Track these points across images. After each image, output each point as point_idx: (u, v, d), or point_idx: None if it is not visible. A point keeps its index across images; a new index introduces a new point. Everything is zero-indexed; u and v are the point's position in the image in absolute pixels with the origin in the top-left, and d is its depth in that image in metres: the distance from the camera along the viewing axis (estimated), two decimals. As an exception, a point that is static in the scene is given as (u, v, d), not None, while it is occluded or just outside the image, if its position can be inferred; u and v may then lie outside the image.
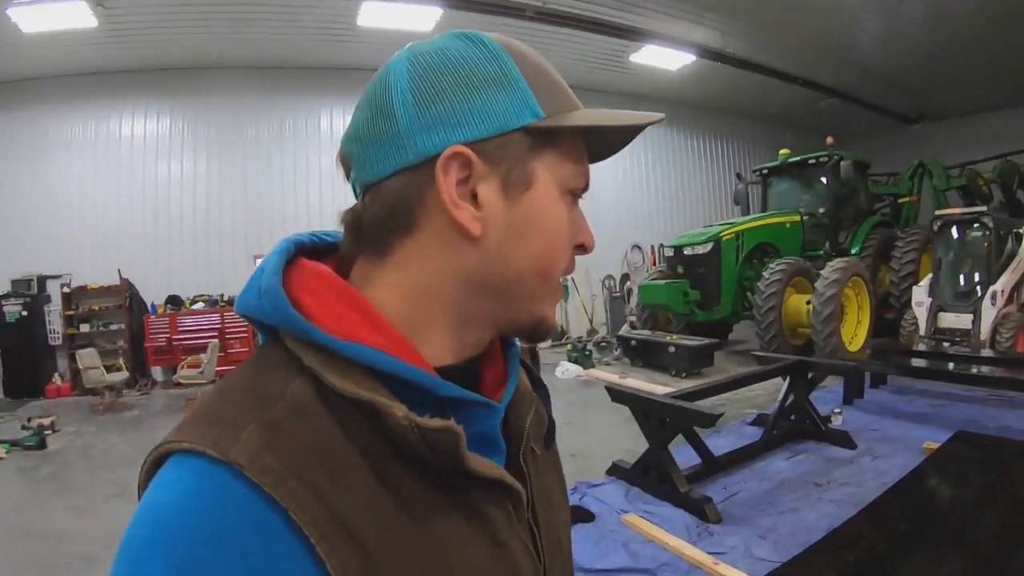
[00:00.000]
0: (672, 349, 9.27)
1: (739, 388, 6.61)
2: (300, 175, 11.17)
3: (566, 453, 6.39)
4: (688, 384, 7.55)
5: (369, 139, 0.63)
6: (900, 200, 11.88)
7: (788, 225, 10.65)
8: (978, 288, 8.52)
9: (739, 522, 4.81)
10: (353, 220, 0.67)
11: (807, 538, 4.08)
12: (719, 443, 6.36)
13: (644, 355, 9.97)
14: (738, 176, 11.88)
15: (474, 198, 0.62)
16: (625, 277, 12.87)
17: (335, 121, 11.57)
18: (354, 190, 0.68)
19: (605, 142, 0.72)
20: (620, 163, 13.54)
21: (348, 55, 10.75)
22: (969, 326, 8.26)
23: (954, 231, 8.98)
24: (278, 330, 0.60)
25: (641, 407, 5.39)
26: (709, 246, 9.82)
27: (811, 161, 10.75)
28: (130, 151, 10.41)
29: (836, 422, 6.68)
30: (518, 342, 0.76)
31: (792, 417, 6.38)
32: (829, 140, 10.66)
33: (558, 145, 0.65)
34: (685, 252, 10.13)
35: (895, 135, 15.28)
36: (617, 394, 5.60)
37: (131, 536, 0.51)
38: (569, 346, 10.53)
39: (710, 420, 4.80)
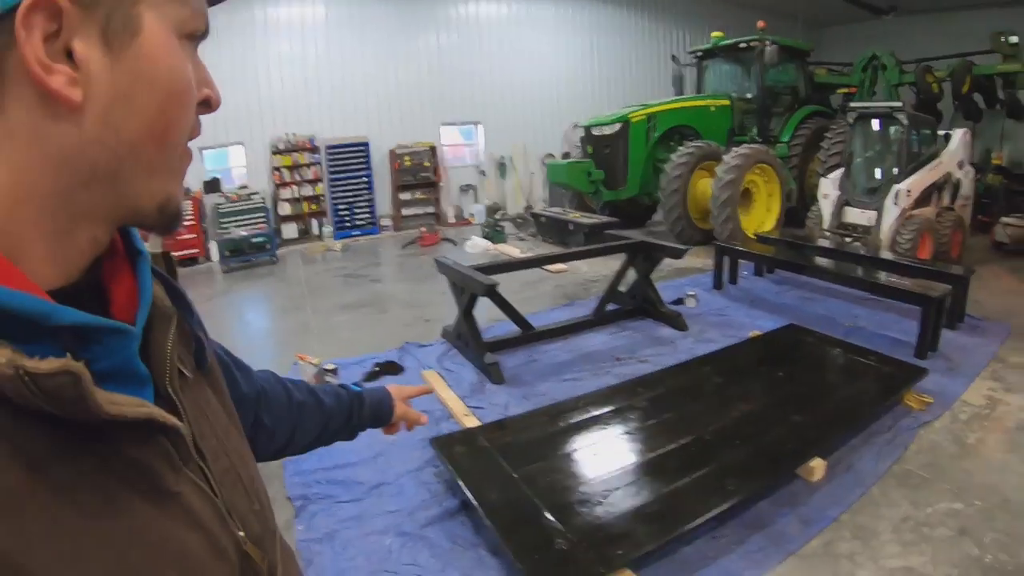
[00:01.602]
0: (571, 227, 9.22)
1: (571, 260, 6.95)
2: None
3: (421, 319, 6.60)
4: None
5: None
6: (839, 91, 11.30)
7: (713, 109, 10.25)
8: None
9: (519, 385, 4.99)
10: None
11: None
12: (561, 315, 6.46)
13: (550, 232, 9.93)
14: (673, 58, 11.26)
15: (69, 56, 0.47)
16: (565, 155, 12.57)
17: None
18: None
19: None
20: (561, 39, 12.95)
21: None
22: (872, 223, 8.01)
23: (869, 125, 8.52)
24: None
25: (450, 276, 5.44)
26: (617, 127, 9.57)
27: (741, 45, 10.16)
28: None
29: (690, 305, 6.67)
30: (146, 250, 0.62)
31: (635, 296, 6.36)
32: (760, 24, 10.04)
33: None
34: (594, 132, 9.91)
35: (864, 26, 14.27)
36: (440, 266, 5.63)
37: None
38: (487, 221, 10.51)
39: (483, 288, 4.88)
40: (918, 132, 8.24)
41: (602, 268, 7.96)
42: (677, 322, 6.04)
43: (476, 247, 9.56)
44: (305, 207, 11.02)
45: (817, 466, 3.51)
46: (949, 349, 5.37)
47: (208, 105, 0.59)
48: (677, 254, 5.99)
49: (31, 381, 0.42)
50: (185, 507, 0.55)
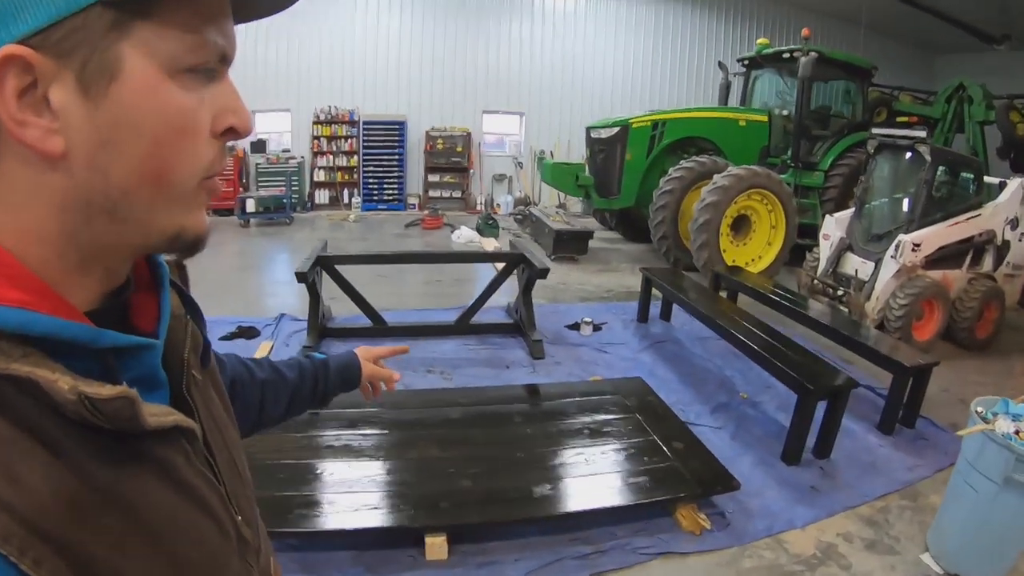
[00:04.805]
0: (546, 230, 8.90)
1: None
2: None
3: (329, 296, 6.73)
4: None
5: None
6: (899, 120, 9.78)
7: (743, 123, 9.30)
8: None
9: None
10: None
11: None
12: (443, 316, 6.30)
13: (538, 232, 9.61)
14: (720, 64, 10.33)
15: (49, 105, 0.47)
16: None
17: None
18: None
19: None
20: (620, 38, 12.31)
21: None
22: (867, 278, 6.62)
23: (893, 158, 7.09)
24: None
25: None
26: (614, 131, 8.94)
27: (785, 55, 9.06)
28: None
29: (584, 332, 6.23)
30: (164, 263, 0.66)
31: (517, 311, 6.09)
32: (804, 32, 8.89)
33: (156, 14, 0.48)
34: (592, 135, 9.35)
35: (976, 56, 12.12)
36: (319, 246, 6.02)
37: None
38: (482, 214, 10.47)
39: (301, 277, 5.16)
40: (953, 174, 6.85)
41: (558, 275, 7.68)
42: (534, 347, 5.64)
43: (461, 237, 9.52)
44: (339, 176, 11.55)
45: (434, 543, 2.92)
46: (849, 461, 4.00)
47: (235, 132, 0.57)
48: (541, 274, 5.58)
49: (91, 404, 0.47)
50: (196, 495, 0.61)
